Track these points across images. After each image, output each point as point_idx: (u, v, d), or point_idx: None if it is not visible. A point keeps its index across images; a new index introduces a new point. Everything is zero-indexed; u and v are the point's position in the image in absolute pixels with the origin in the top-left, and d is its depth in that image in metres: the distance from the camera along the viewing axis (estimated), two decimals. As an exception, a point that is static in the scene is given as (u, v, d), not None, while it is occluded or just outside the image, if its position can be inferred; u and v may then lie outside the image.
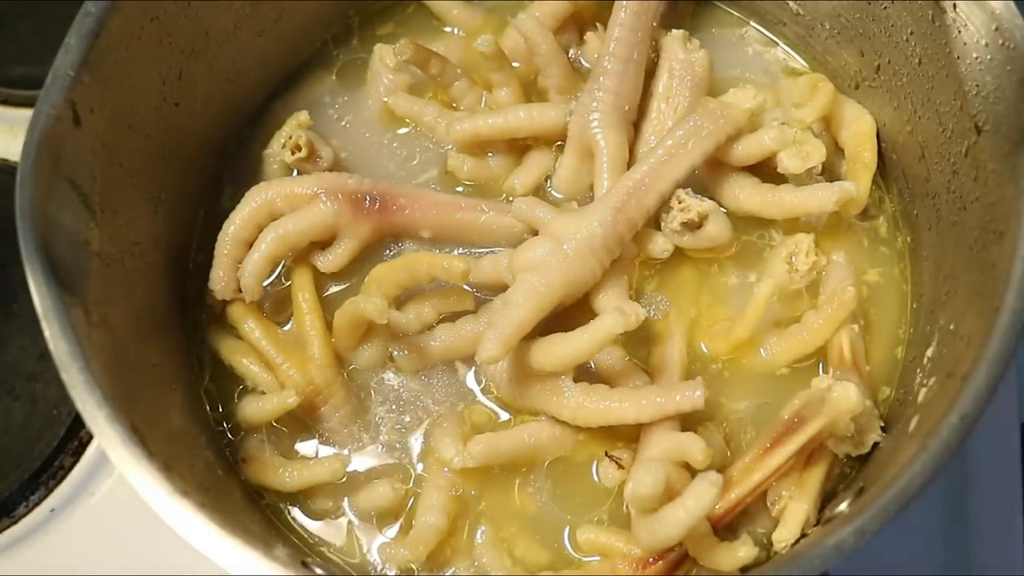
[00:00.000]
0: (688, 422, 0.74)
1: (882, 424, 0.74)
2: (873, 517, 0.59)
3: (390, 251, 0.84)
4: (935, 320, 0.75)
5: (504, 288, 0.76)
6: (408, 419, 0.79)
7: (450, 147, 0.86)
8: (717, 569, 0.69)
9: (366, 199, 0.80)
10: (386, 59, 0.89)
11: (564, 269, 0.74)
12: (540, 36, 0.84)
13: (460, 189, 0.86)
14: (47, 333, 0.63)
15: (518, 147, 0.86)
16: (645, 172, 0.77)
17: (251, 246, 0.79)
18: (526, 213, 0.78)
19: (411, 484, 0.77)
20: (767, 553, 0.72)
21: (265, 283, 0.81)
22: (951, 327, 0.72)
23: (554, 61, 0.85)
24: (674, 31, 0.84)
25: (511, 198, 0.83)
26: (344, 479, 0.76)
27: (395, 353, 0.79)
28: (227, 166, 0.88)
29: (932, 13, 0.72)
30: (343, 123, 0.90)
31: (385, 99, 0.89)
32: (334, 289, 0.83)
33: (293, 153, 0.84)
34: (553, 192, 0.85)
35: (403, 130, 0.89)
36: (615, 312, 0.71)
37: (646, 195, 0.77)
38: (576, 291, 0.76)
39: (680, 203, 0.78)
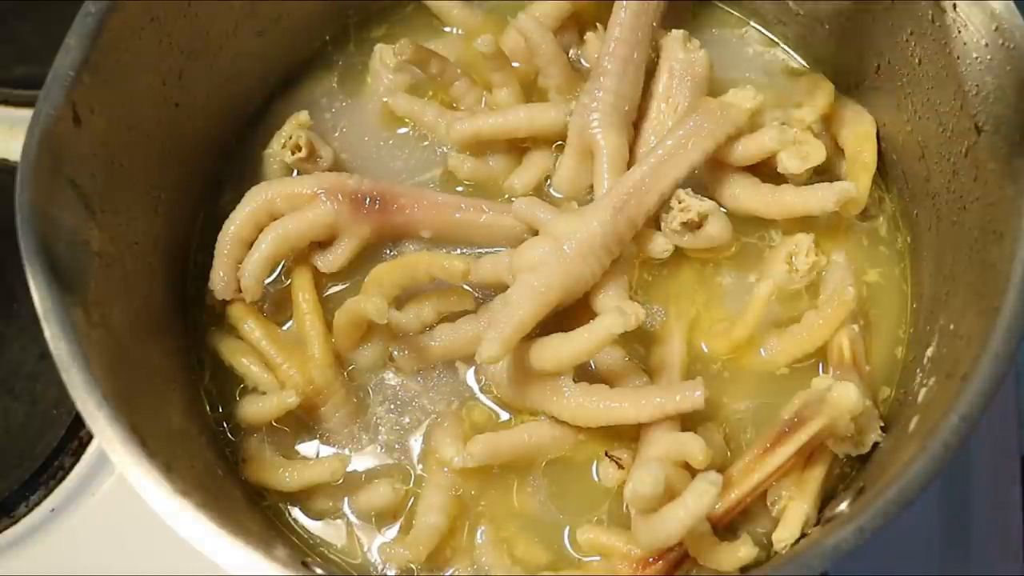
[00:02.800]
0: (688, 422, 0.74)
1: (882, 424, 0.74)
2: (873, 517, 0.59)
3: (390, 251, 0.84)
4: (935, 320, 0.75)
5: (504, 288, 0.76)
6: (408, 419, 0.79)
7: (449, 147, 0.86)
8: (717, 569, 0.69)
9: (366, 199, 0.80)
10: (386, 59, 0.89)
11: (564, 269, 0.74)
12: (540, 36, 0.84)
13: (460, 189, 0.86)
14: (47, 333, 0.63)
15: (518, 147, 0.86)
16: (645, 172, 0.77)
17: (251, 246, 0.79)
18: (526, 213, 0.78)
19: (411, 484, 0.77)
20: (767, 553, 0.71)
21: (265, 283, 0.81)
22: (951, 327, 0.72)
23: (554, 61, 0.85)
24: (674, 31, 0.84)
25: (511, 198, 0.83)
26: (343, 479, 0.76)
27: (395, 353, 0.79)
28: (227, 166, 0.88)
29: (932, 13, 0.72)
30: (343, 123, 0.90)
31: (385, 99, 0.89)
32: (334, 289, 0.83)
33: (293, 153, 0.84)
34: (553, 192, 0.85)
35: (403, 130, 0.89)
36: (615, 312, 0.71)
37: (646, 195, 0.77)
38: (576, 291, 0.76)
39: (680, 203, 0.78)
